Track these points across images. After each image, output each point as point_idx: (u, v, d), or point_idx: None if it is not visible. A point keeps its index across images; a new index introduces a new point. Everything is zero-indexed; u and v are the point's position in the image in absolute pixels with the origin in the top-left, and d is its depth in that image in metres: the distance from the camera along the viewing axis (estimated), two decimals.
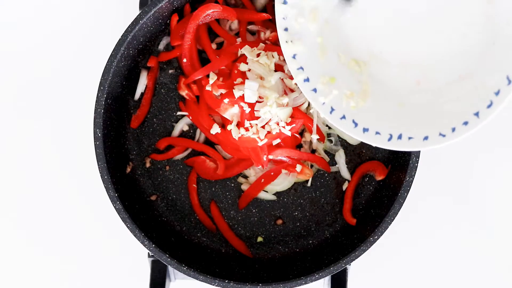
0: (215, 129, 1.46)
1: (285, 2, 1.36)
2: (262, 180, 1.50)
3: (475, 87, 1.33)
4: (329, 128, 1.51)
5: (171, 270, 1.50)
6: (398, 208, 1.40)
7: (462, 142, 1.63)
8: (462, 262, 1.63)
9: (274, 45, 1.47)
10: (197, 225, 1.53)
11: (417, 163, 1.40)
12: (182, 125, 1.52)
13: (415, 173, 1.41)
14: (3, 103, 1.65)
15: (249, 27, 1.51)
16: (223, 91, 1.45)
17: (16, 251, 1.64)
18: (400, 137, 1.34)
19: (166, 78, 1.53)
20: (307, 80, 1.37)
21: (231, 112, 1.44)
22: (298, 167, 1.49)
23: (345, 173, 1.52)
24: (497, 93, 1.29)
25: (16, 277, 1.64)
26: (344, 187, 1.52)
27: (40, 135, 1.64)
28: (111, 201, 1.40)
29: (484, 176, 1.64)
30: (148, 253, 1.48)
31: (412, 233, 1.63)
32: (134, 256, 1.62)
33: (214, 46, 1.51)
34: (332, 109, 1.36)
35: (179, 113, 1.52)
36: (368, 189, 1.52)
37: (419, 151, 1.40)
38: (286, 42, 1.37)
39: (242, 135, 1.43)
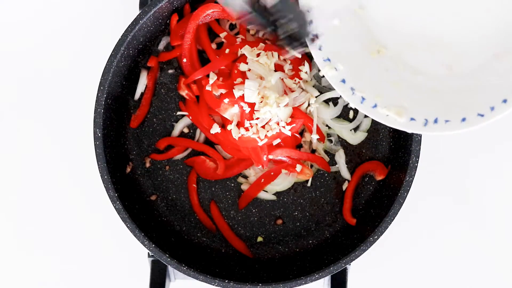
0: (215, 129, 1.46)
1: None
2: (262, 180, 1.50)
3: (511, 65, 1.30)
4: (329, 128, 1.51)
5: (171, 270, 1.50)
6: (398, 208, 1.40)
7: (462, 142, 1.64)
8: (462, 262, 1.63)
9: (274, 44, 1.47)
10: (197, 225, 1.53)
11: (417, 163, 1.40)
12: (182, 125, 1.52)
13: (415, 173, 1.40)
14: (3, 103, 1.65)
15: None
16: (223, 91, 1.45)
17: (16, 251, 1.64)
18: (436, 121, 1.31)
19: (166, 78, 1.53)
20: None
21: (231, 112, 1.44)
22: (298, 167, 1.48)
23: (345, 173, 1.52)
24: None
25: (16, 277, 1.64)
26: (344, 187, 1.52)
27: (40, 135, 1.64)
28: (111, 201, 1.40)
29: (484, 176, 1.64)
30: (148, 253, 1.48)
31: (412, 233, 1.63)
32: (134, 256, 1.62)
33: (214, 46, 1.51)
34: (363, 99, 1.34)
35: (179, 113, 1.52)
36: (368, 189, 1.52)
37: (419, 151, 1.40)
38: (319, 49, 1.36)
39: (242, 135, 1.43)
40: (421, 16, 1.35)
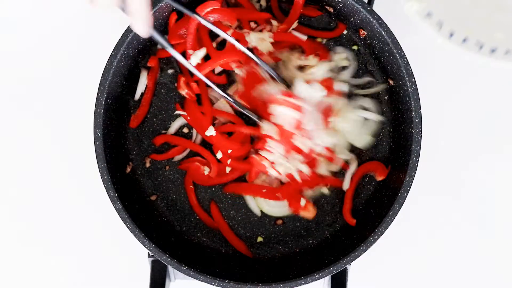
0: (210, 132, 1.46)
1: None
2: (264, 190, 1.49)
3: None
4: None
5: (171, 270, 1.50)
6: (398, 208, 1.40)
7: (462, 142, 1.64)
8: (462, 262, 1.63)
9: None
10: (197, 225, 1.53)
11: (417, 163, 1.40)
12: (178, 124, 1.52)
13: (415, 173, 1.40)
14: (3, 103, 1.65)
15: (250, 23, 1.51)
16: None
17: (16, 251, 1.64)
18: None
19: (166, 78, 1.53)
20: None
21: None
22: (302, 202, 1.48)
23: (346, 182, 1.51)
24: None
25: (16, 277, 1.64)
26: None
27: (40, 135, 1.64)
28: (111, 201, 1.40)
29: (484, 176, 1.64)
30: (148, 253, 1.48)
31: (412, 233, 1.63)
32: (134, 256, 1.62)
33: (214, 45, 1.51)
34: (451, 34, 1.27)
35: (177, 112, 1.52)
36: (368, 189, 1.52)
37: (419, 151, 1.40)
38: None
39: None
40: None
